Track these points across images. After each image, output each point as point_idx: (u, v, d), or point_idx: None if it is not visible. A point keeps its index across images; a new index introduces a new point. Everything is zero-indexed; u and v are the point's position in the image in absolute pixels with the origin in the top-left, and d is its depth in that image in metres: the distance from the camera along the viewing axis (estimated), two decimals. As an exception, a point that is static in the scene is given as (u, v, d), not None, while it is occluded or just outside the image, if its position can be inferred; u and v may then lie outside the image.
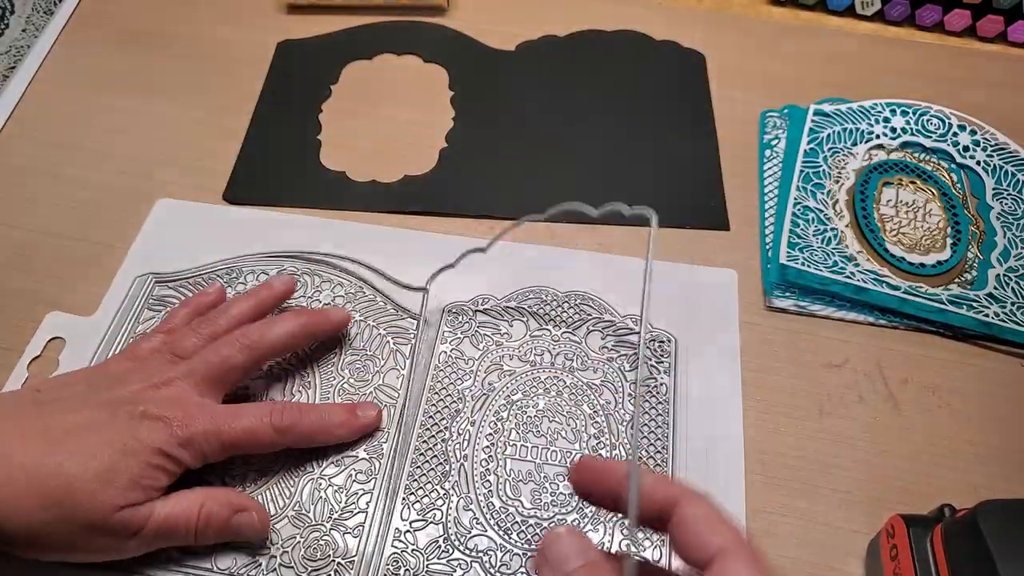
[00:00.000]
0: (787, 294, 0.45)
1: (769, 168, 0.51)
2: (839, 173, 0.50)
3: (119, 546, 0.32)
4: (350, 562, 0.36)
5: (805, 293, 0.45)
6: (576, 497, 0.38)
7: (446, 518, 0.37)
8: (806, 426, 0.41)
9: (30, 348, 0.42)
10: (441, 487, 0.38)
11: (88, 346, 0.42)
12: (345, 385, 0.41)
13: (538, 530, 0.37)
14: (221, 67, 0.56)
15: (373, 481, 0.38)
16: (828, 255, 0.46)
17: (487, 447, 0.39)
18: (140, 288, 0.44)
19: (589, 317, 0.44)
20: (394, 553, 0.36)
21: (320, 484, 0.38)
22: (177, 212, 0.48)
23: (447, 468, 0.39)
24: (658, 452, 0.39)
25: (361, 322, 0.43)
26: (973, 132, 0.52)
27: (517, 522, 0.37)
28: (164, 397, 0.34)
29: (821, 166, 0.50)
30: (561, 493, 0.38)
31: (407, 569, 0.36)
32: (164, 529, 0.33)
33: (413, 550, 0.36)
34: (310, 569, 0.36)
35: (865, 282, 0.45)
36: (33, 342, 0.42)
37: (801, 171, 0.50)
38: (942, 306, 0.44)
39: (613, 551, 0.37)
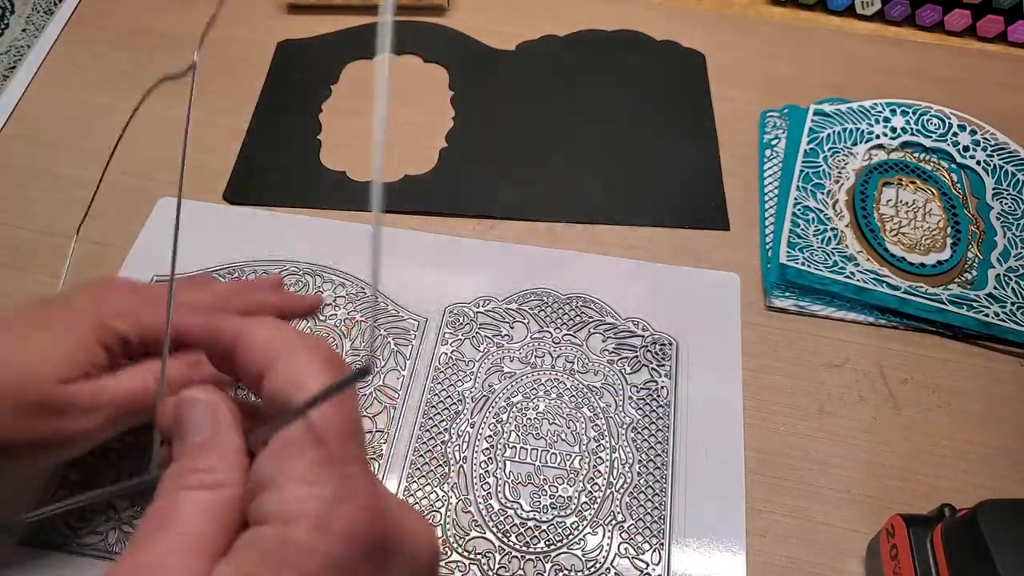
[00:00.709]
0: (787, 294, 0.45)
1: (769, 168, 0.51)
2: (839, 173, 0.50)
3: (78, 426, 0.30)
4: (350, 563, 0.36)
5: (805, 293, 0.45)
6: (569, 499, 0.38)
7: (445, 520, 0.37)
8: (806, 426, 0.41)
9: (30, 349, 0.42)
10: (440, 489, 0.38)
11: (88, 347, 0.42)
12: (345, 386, 0.41)
13: (537, 532, 0.37)
14: (221, 67, 0.56)
15: (373, 482, 0.38)
16: (828, 255, 0.46)
17: (487, 449, 0.39)
18: (140, 289, 0.44)
19: (590, 319, 0.44)
20: (394, 554, 0.36)
21: (320, 485, 0.38)
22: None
23: (446, 470, 0.39)
24: (658, 455, 0.39)
25: (362, 322, 0.44)
26: (973, 132, 0.52)
27: (516, 524, 0.37)
28: (97, 280, 0.34)
29: (821, 166, 0.50)
30: (560, 496, 0.38)
31: (407, 570, 0.36)
32: (123, 404, 0.31)
33: (413, 551, 0.36)
34: (310, 570, 0.36)
35: (865, 282, 0.45)
36: (33, 343, 0.42)
37: (801, 171, 0.50)
38: (942, 306, 0.44)
39: (612, 555, 0.37)
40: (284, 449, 0.22)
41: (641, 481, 0.39)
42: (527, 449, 0.39)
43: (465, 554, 0.36)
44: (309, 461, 0.21)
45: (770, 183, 0.50)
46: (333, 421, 0.22)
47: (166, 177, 0.50)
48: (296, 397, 0.23)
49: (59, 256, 0.46)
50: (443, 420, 0.40)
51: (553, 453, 0.39)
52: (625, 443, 0.40)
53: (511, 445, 0.40)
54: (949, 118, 0.53)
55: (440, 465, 0.39)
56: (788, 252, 0.45)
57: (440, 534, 0.37)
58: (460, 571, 0.36)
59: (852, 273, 0.45)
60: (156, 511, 0.22)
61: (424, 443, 0.39)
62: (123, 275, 0.45)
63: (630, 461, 0.39)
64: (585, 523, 0.37)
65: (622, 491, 0.38)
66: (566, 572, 0.36)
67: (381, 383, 0.41)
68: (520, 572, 0.36)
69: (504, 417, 0.40)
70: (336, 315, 0.44)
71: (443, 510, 0.37)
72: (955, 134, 0.52)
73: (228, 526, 0.22)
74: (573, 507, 0.38)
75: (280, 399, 0.23)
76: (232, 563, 0.21)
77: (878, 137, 0.52)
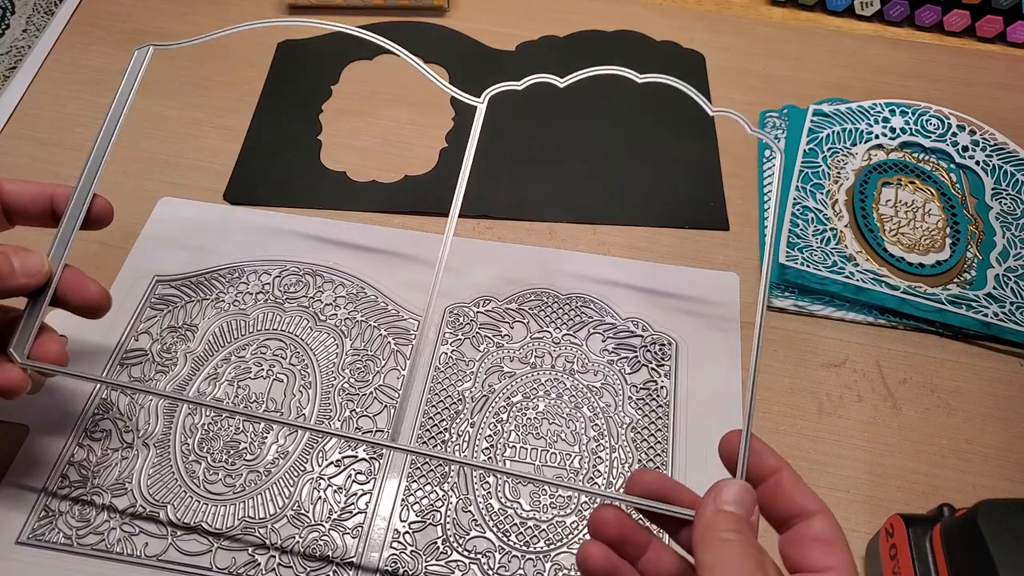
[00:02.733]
0: (787, 294, 0.45)
1: (768, 168, 0.51)
2: (838, 173, 0.50)
3: None
4: (349, 562, 0.36)
5: (804, 293, 0.45)
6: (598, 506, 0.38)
7: (445, 519, 0.37)
8: (805, 426, 0.41)
9: (30, 348, 0.42)
10: (440, 488, 0.38)
11: (90, 345, 0.42)
12: (345, 385, 0.41)
13: (536, 532, 0.37)
14: (221, 67, 0.56)
15: (372, 481, 0.38)
16: (827, 255, 0.46)
17: (487, 448, 0.39)
18: (142, 287, 0.44)
19: (590, 319, 0.44)
20: (392, 554, 0.36)
21: (320, 484, 0.38)
22: (179, 211, 0.48)
23: (446, 469, 0.39)
24: (658, 455, 0.39)
25: (362, 322, 0.44)
26: (972, 132, 0.52)
27: (516, 524, 0.37)
28: None
29: (820, 166, 0.50)
30: (560, 495, 0.38)
31: (405, 570, 0.36)
32: None
33: (412, 551, 0.36)
34: (309, 569, 0.36)
35: (864, 282, 0.45)
36: (33, 342, 0.42)
37: (800, 171, 0.50)
38: (941, 306, 0.44)
39: None
40: (818, 546, 0.27)
41: (641, 481, 0.39)
42: (527, 449, 0.40)
43: (465, 553, 0.36)
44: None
45: (769, 184, 0.51)
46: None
47: (166, 177, 0.50)
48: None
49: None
50: (443, 420, 0.40)
51: (553, 453, 0.39)
52: (625, 443, 0.40)
53: (511, 445, 0.40)
54: (948, 118, 0.53)
55: (440, 465, 0.39)
56: (787, 252, 0.45)
57: (440, 533, 0.37)
58: (460, 570, 0.36)
59: (851, 273, 0.45)
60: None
61: (424, 443, 0.40)
62: (124, 275, 0.45)
63: (630, 461, 0.39)
64: (585, 522, 0.37)
65: (622, 491, 0.38)
66: (566, 571, 0.36)
67: (381, 382, 0.41)
68: (520, 571, 0.36)
69: (504, 417, 0.41)
70: (336, 315, 0.44)
71: (443, 509, 0.38)
72: (954, 134, 0.52)
73: None
74: (573, 507, 0.38)
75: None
76: None
77: (877, 137, 0.52)
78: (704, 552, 0.26)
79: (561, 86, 0.37)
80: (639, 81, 0.35)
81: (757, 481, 0.28)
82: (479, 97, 0.37)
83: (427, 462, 0.39)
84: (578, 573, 0.36)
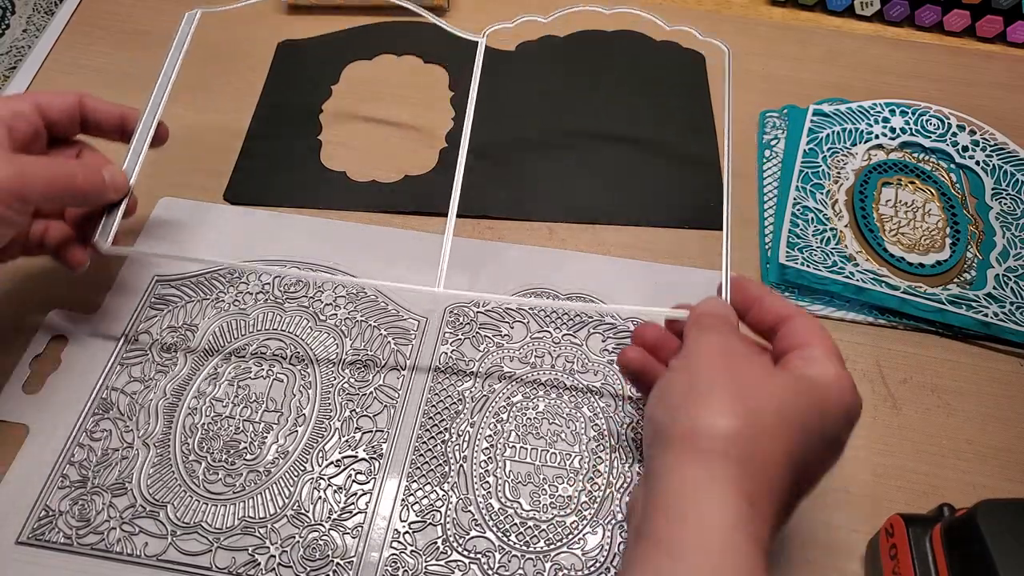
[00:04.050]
0: (787, 294, 0.45)
1: (768, 168, 0.51)
2: (838, 173, 0.50)
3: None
4: (349, 562, 0.36)
5: (804, 293, 0.45)
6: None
7: (445, 519, 0.37)
8: (805, 426, 0.41)
9: (32, 346, 0.42)
10: (440, 488, 0.38)
11: (91, 344, 0.42)
12: (345, 385, 0.41)
13: (537, 531, 0.37)
14: (221, 67, 0.56)
15: (372, 481, 0.38)
16: (827, 255, 0.46)
17: (487, 448, 0.39)
18: (143, 287, 0.44)
19: (590, 319, 0.44)
20: (392, 554, 0.36)
21: (320, 484, 0.38)
22: (179, 211, 0.48)
23: (446, 469, 0.39)
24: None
25: (362, 322, 0.44)
26: (972, 132, 0.52)
27: (516, 524, 0.37)
28: None
29: (820, 166, 0.50)
30: (560, 496, 0.38)
31: (405, 570, 0.36)
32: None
33: (412, 551, 0.36)
34: (309, 569, 0.36)
35: (864, 282, 0.45)
36: (36, 340, 0.42)
37: (800, 171, 0.50)
38: (941, 306, 0.44)
39: (612, 555, 0.37)
40: (801, 332, 0.32)
41: (641, 481, 0.39)
42: (527, 449, 0.40)
43: (465, 553, 0.36)
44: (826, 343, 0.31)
45: (769, 183, 0.51)
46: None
47: (166, 177, 0.50)
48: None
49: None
50: (443, 420, 0.40)
51: (553, 453, 0.39)
52: (625, 442, 0.40)
53: (511, 445, 0.40)
54: (948, 118, 0.53)
55: (440, 464, 0.39)
56: (787, 252, 0.46)
57: (440, 533, 0.37)
58: (460, 570, 0.36)
59: (851, 273, 0.45)
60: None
61: (424, 443, 0.40)
62: (123, 275, 0.45)
63: (630, 460, 0.39)
64: (585, 522, 0.37)
65: (622, 491, 0.38)
66: (566, 571, 0.36)
67: (381, 382, 0.41)
68: (520, 571, 0.36)
69: (504, 417, 0.41)
70: (336, 315, 0.44)
71: (443, 509, 0.38)
72: (954, 134, 0.52)
73: None
74: (573, 506, 0.38)
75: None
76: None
77: (877, 137, 0.52)
78: (689, 340, 0.33)
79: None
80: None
81: (746, 305, 0.35)
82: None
83: (427, 461, 0.39)
84: (578, 572, 0.36)
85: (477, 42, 0.49)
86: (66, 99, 0.40)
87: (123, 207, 0.40)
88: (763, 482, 0.27)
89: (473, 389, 0.41)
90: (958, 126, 0.52)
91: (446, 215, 0.48)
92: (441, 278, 0.38)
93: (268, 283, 0.45)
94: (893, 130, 0.52)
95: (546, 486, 0.38)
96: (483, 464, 0.39)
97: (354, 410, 0.41)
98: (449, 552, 0.36)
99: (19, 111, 0.38)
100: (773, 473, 0.28)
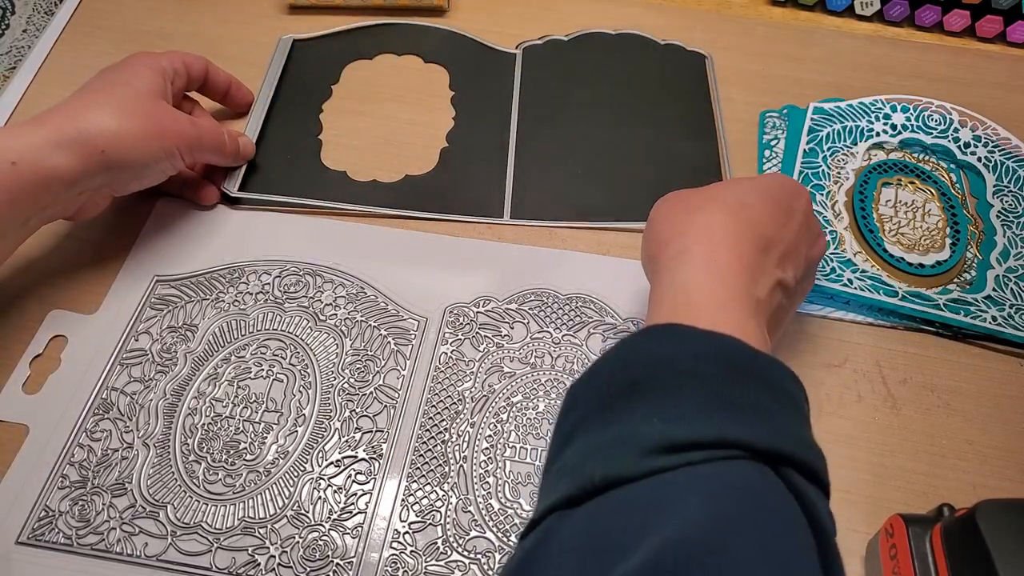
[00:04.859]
0: (787, 294, 0.45)
1: (768, 168, 0.51)
2: (838, 173, 0.50)
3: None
4: (349, 563, 0.36)
5: (804, 293, 0.45)
6: None
7: (445, 519, 0.37)
8: (805, 426, 0.41)
9: (32, 346, 0.42)
10: (440, 488, 0.38)
11: (90, 344, 0.42)
12: (345, 385, 0.41)
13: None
14: (221, 67, 0.56)
15: (372, 481, 0.38)
16: (827, 259, 0.46)
17: (487, 448, 0.39)
18: (143, 287, 0.44)
19: (590, 319, 0.44)
20: (392, 554, 0.36)
21: (320, 484, 0.38)
22: (179, 211, 0.48)
23: (446, 469, 0.39)
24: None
25: (362, 322, 0.44)
26: (974, 128, 0.52)
27: (516, 524, 0.37)
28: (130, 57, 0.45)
29: (820, 166, 0.50)
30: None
31: (405, 570, 0.36)
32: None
33: (412, 551, 0.36)
34: (309, 569, 0.36)
35: (863, 289, 0.45)
36: (35, 340, 0.42)
37: (800, 172, 0.50)
38: (939, 312, 0.44)
39: None
40: None
41: (641, 481, 0.39)
42: (527, 449, 0.40)
43: (465, 553, 0.36)
44: None
45: (770, 183, 0.50)
46: None
47: (166, 177, 0.50)
48: None
49: (61, 255, 0.46)
50: (443, 420, 0.40)
51: (553, 453, 0.39)
52: (625, 443, 0.40)
53: (511, 445, 0.40)
54: (950, 113, 0.52)
55: (440, 465, 0.39)
56: (787, 252, 0.45)
57: (440, 534, 0.37)
58: (460, 570, 0.36)
59: (850, 281, 0.45)
60: None
61: (424, 443, 0.40)
62: (124, 275, 0.45)
63: (630, 461, 0.39)
64: (585, 523, 0.37)
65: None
66: (566, 572, 0.36)
67: (381, 382, 0.42)
68: (520, 572, 0.36)
69: (504, 417, 0.41)
70: (336, 315, 0.44)
71: (443, 510, 0.38)
72: (956, 130, 0.52)
73: None
74: (573, 507, 0.38)
75: None
76: None
77: (878, 135, 0.52)
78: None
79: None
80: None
81: None
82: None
83: (427, 461, 0.39)
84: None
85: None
86: (200, 62, 0.48)
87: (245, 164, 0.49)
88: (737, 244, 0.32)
89: (473, 389, 0.41)
90: (960, 122, 0.52)
91: (446, 215, 0.49)
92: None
93: (268, 283, 0.45)
94: (894, 127, 0.52)
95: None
96: (483, 464, 0.39)
97: (354, 410, 0.41)
98: (449, 552, 0.36)
99: (178, 69, 0.45)
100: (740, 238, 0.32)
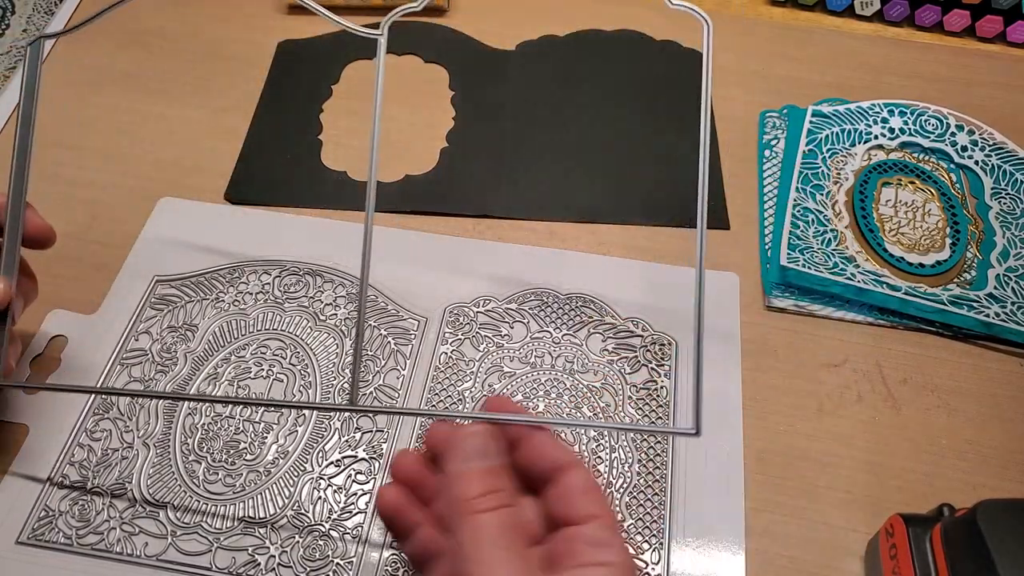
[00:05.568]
0: (787, 294, 0.45)
1: (768, 168, 0.51)
2: (838, 174, 0.50)
3: None
4: (349, 562, 0.36)
5: (804, 293, 0.45)
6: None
7: (446, 518, 0.37)
8: (805, 426, 0.41)
9: (33, 346, 0.42)
10: (441, 487, 0.38)
11: (91, 344, 0.42)
12: (345, 385, 0.41)
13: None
14: (221, 67, 0.56)
15: (372, 481, 0.38)
16: (828, 256, 0.46)
17: (487, 447, 0.39)
18: (143, 287, 0.44)
19: (590, 319, 0.44)
20: (392, 554, 0.36)
21: (320, 484, 0.38)
22: (179, 211, 0.48)
23: (447, 468, 0.39)
24: (657, 455, 0.39)
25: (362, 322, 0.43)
26: (971, 132, 0.52)
27: (517, 522, 0.37)
28: None
29: (820, 167, 0.50)
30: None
31: (405, 570, 0.36)
32: None
33: (413, 550, 0.36)
34: (309, 569, 0.36)
35: (865, 283, 0.45)
36: (36, 340, 0.42)
37: (800, 172, 0.50)
38: (942, 306, 0.44)
39: None
40: (578, 497, 0.28)
41: (640, 481, 0.39)
42: (527, 449, 0.39)
43: (465, 553, 0.36)
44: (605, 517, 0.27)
45: (769, 183, 0.51)
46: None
47: (166, 177, 0.50)
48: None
49: (61, 255, 0.46)
50: (443, 420, 0.40)
51: (553, 453, 0.39)
52: (625, 443, 0.40)
53: (511, 445, 0.40)
54: (947, 118, 0.53)
55: (440, 465, 0.39)
56: (788, 254, 0.45)
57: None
58: (460, 570, 0.36)
59: (852, 274, 0.45)
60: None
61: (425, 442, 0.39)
62: (124, 275, 0.45)
63: (629, 461, 0.39)
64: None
65: (622, 491, 0.38)
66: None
67: (381, 382, 0.41)
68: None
69: (504, 417, 0.40)
70: (336, 315, 0.44)
71: (443, 510, 0.37)
72: (953, 134, 0.52)
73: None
74: (573, 507, 0.38)
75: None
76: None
77: (876, 138, 0.52)
78: (452, 521, 0.27)
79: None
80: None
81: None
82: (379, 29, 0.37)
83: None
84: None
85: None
86: None
87: (8, 323, 0.35)
88: None
89: (473, 389, 0.41)
90: (957, 126, 0.52)
91: (446, 215, 0.49)
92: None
93: (268, 283, 0.45)
94: (892, 130, 0.52)
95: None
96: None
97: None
98: (449, 552, 0.36)
99: None
100: None
